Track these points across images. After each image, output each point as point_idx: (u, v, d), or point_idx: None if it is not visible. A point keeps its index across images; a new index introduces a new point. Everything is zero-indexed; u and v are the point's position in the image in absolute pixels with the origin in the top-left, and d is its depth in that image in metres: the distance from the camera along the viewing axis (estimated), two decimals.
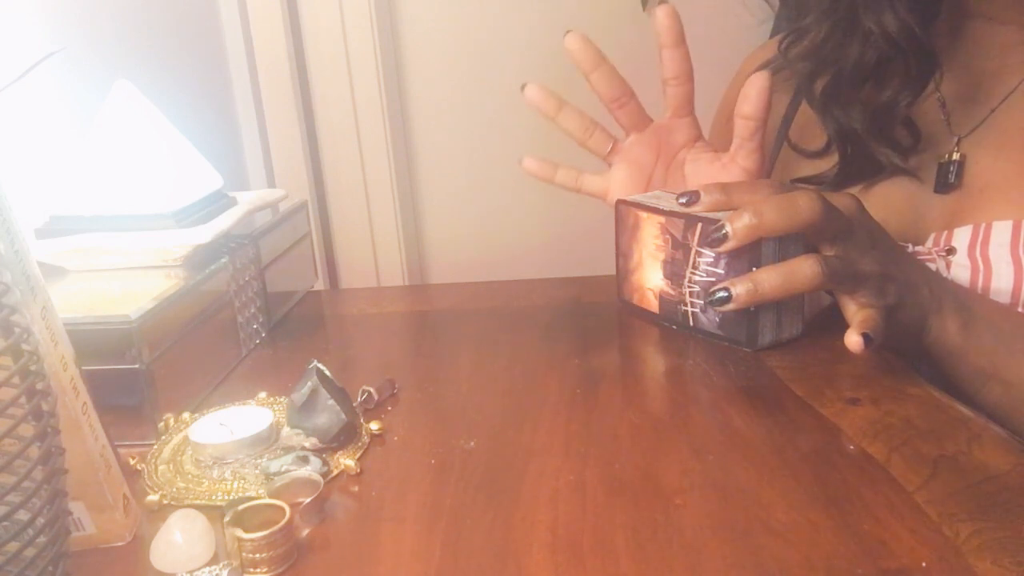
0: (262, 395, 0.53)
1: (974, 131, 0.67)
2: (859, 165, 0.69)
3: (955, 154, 0.67)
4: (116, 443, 0.42)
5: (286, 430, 0.47)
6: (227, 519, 0.38)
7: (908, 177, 0.68)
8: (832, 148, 0.71)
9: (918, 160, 0.68)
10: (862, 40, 0.67)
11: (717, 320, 0.58)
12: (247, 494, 0.43)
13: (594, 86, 0.68)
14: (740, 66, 0.87)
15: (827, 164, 0.72)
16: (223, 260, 0.60)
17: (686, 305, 0.60)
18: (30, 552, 0.30)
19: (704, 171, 0.67)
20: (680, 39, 0.67)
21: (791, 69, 0.76)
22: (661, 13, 0.67)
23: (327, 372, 0.48)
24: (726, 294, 0.53)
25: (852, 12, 0.67)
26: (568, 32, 0.67)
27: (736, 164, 0.66)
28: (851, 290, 0.53)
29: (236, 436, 0.46)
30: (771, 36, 0.93)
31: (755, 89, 0.63)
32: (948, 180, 0.66)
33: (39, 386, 0.32)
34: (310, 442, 0.46)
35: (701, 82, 0.83)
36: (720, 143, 0.88)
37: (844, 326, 0.52)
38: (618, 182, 0.68)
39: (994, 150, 0.66)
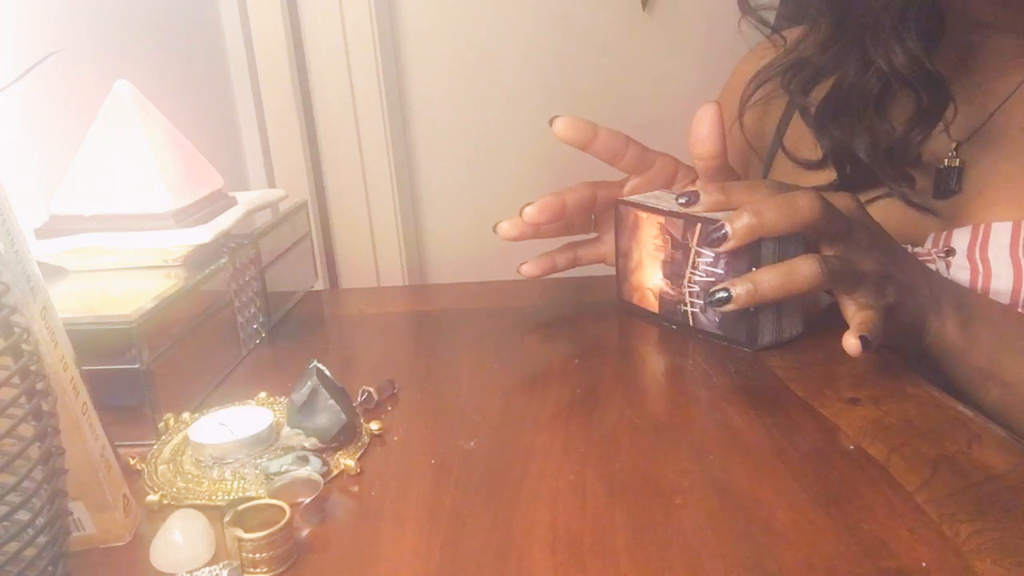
0: (262, 395, 0.53)
1: (973, 136, 0.66)
2: (858, 181, 0.68)
3: (955, 160, 0.66)
4: (116, 443, 0.42)
5: (286, 430, 0.47)
6: (227, 519, 0.38)
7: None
8: (828, 161, 0.71)
9: (917, 167, 0.67)
10: (864, 66, 0.66)
11: (717, 320, 0.58)
12: (247, 494, 0.43)
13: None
14: (735, 69, 0.87)
15: (825, 175, 0.71)
16: (223, 260, 0.60)
17: (686, 305, 0.60)
18: (30, 552, 0.30)
19: None
20: (591, 136, 0.64)
21: (791, 98, 0.76)
22: (558, 129, 0.64)
23: (327, 372, 0.48)
24: (726, 294, 0.53)
25: (857, 42, 0.66)
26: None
27: None
28: (850, 290, 0.53)
29: (236, 436, 0.46)
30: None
31: (706, 125, 0.60)
32: (949, 187, 0.66)
33: (39, 386, 0.32)
34: (310, 442, 0.46)
35: (698, 82, 0.83)
36: None
37: (844, 326, 0.52)
38: (613, 244, 0.67)
39: (993, 153, 0.65)
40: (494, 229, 0.67)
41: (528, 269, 0.68)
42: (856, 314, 0.52)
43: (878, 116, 0.67)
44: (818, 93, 0.72)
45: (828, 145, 0.70)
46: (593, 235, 0.71)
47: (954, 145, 0.67)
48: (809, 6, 0.75)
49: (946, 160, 0.67)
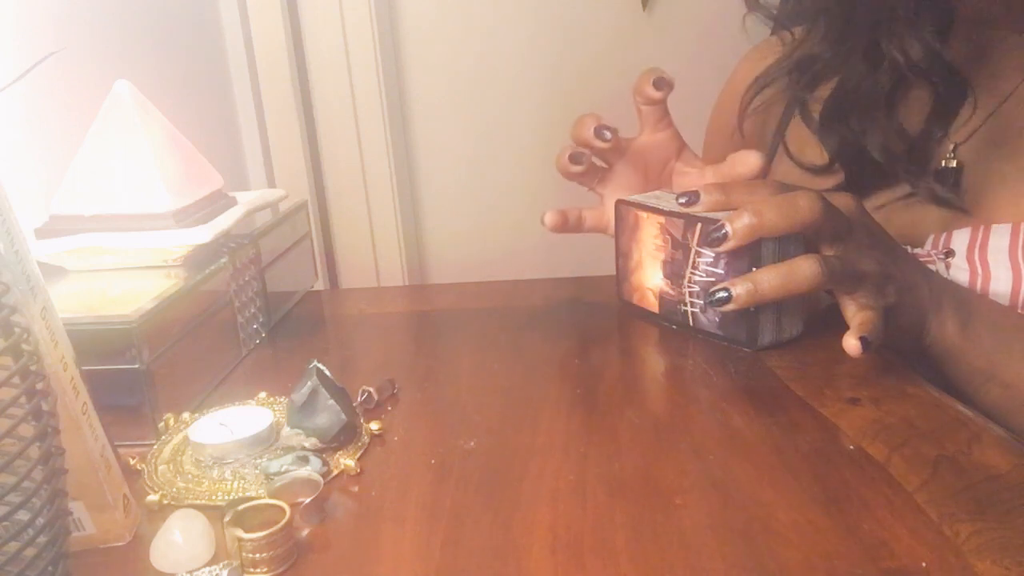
0: (262, 395, 0.53)
1: (972, 136, 0.66)
2: (867, 181, 0.68)
3: (952, 161, 0.66)
4: (116, 443, 0.42)
5: (286, 430, 0.47)
6: (227, 519, 0.38)
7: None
8: (835, 165, 0.71)
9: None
10: (877, 64, 0.66)
11: (717, 320, 0.58)
12: (247, 494, 0.43)
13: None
14: (735, 68, 0.86)
15: (827, 180, 0.71)
16: (223, 260, 0.60)
17: (686, 305, 0.60)
18: (30, 552, 0.30)
19: (692, 184, 0.67)
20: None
21: (798, 96, 0.75)
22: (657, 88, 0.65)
23: (327, 372, 0.48)
24: (726, 294, 0.53)
25: (870, 38, 0.66)
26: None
27: None
28: (851, 290, 0.53)
29: (236, 436, 0.46)
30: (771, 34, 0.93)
31: (746, 168, 0.62)
32: (947, 188, 0.66)
33: (39, 386, 0.32)
34: (310, 442, 0.46)
35: (698, 82, 0.82)
36: (716, 151, 0.88)
37: (844, 326, 0.52)
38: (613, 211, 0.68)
39: (992, 154, 0.65)
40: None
41: (548, 218, 0.68)
42: (856, 315, 0.52)
43: (888, 115, 0.66)
44: (822, 93, 0.72)
45: (835, 145, 0.69)
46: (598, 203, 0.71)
47: (952, 146, 0.67)
48: (813, 4, 0.75)
49: (943, 161, 0.66)
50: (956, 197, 0.65)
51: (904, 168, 0.66)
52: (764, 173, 0.62)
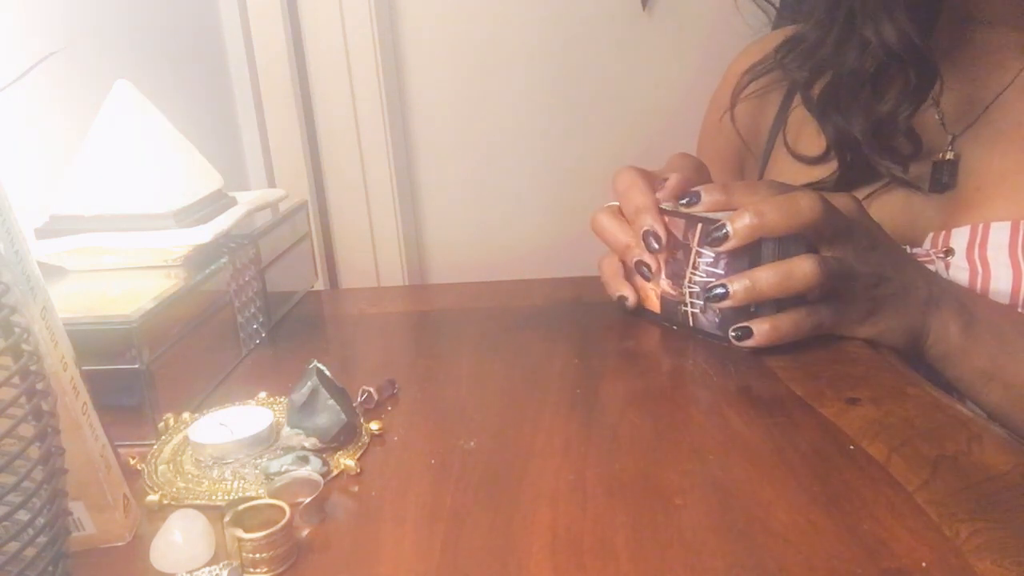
0: (262, 395, 0.53)
1: (968, 129, 0.66)
2: (859, 172, 0.68)
3: (948, 154, 0.66)
4: (116, 443, 0.42)
5: (286, 430, 0.47)
6: (227, 519, 0.38)
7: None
8: (831, 155, 0.71)
9: (914, 162, 0.68)
10: (860, 48, 0.67)
11: (717, 320, 0.58)
12: (247, 494, 0.43)
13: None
14: (730, 64, 0.87)
15: (824, 171, 0.71)
16: (223, 260, 0.60)
17: (686, 305, 0.60)
18: (30, 552, 0.30)
19: None
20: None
21: (785, 73, 0.76)
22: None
23: (327, 372, 0.48)
24: (723, 291, 0.53)
25: (851, 21, 0.67)
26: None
27: None
28: (842, 290, 0.53)
29: (236, 436, 0.46)
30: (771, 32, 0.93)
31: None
32: (941, 180, 0.66)
33: (39, 386, 0.32)
34: (310, 442, 0.46)
35: (698, 82, 0.82)
36: (709, 142, 0.88)
37: None
38: None
39: (989, 148, 0.66)
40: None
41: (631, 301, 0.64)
42: (785, 312, 0.54)
43: (874, 97, 0.67)
44: (819, 85, 0.72)
45: (831, 132, 0.70)
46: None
47: (950, 139, 0.67)
48: None
49: (941, 154, 0.67)
50: (927, 196, 0.65)
51: (869, 146, 0.66)
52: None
